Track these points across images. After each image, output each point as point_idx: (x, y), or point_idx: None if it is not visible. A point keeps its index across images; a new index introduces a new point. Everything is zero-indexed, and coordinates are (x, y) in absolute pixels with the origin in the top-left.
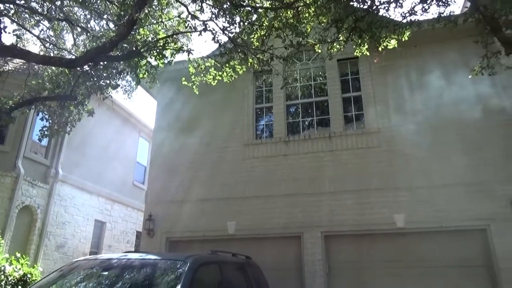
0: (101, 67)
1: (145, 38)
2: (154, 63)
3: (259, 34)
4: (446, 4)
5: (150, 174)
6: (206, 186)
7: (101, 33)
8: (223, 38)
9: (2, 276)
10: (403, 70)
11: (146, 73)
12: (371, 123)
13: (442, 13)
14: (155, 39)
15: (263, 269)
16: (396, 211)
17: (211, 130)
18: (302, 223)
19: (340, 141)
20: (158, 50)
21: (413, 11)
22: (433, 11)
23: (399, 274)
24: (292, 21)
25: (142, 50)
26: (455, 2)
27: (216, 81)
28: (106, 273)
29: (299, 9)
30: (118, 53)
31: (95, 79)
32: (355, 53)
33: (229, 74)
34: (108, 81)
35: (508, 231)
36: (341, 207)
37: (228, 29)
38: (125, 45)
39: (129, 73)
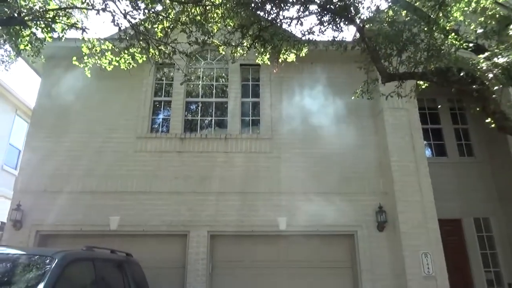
0: None
1: (32, 5)
2: (40, 35)
3: (163, 25)
4: (339, 30)
5: (23, 158)
6: (87, 176)
7: None
8: (124, 23)
9: None
10: (298, 83)
11: (29, 45)
12: (265, 129)
13: (336, 37)
14: (44, 9)
15: (146, 267)
16: (279, 214)
17: (100, 117)
18: (189, 222)
19: (235, 144)
20: (46, 22)
21: (311, 31)
22: (329, 34)
23: (277, 273)
24: (199, 18)
25: (26, 18)
26: (348, 30)
27: (111, 66)
28: None
29: (207, 8)
30: None
31: None
32: (257, 61)
33: (127, 61)
34: None
35: (371, 237)
36: (228, 208)
37: (131, 13)
38: (5, 9)
39: (6, 41)
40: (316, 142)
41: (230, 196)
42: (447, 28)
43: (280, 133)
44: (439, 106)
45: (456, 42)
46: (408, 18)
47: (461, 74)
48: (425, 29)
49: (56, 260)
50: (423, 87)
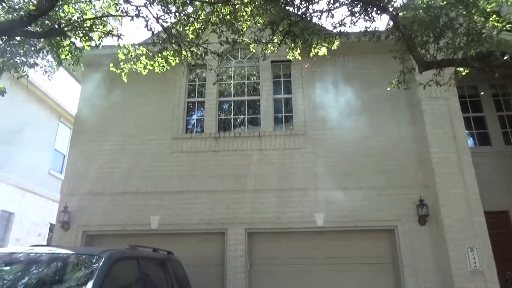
0: (16, 42)
1: (70, 16)
2: (79, 44)
3: (194, 26)
4: (372, 20)
5: (68, 163)
6: (127, 178)
7: (19, 5)
8: (157, 27)
9: None
10: (330, 77)
11: (69, 54)
12: (299, 125)
13: (368, 28)
14: (82, 19)
15: (186, 265)
16: (316, 210)
17: (137, 120)
18: (227, 220)
19: (269, 141)
20: (84, 31)
21: (342, 23)
22: (361, 25)
23: (315, 270)
24: (228, 17)
25: (65, 29)
26: (380, 19)
27: (146, 70)
28: (7, 268)
29: (236, 6)
30: (38, 29)
31: (9, 55)
32: (288, 56)
33: (161, 65)
34: (24, 59)
35: (412, 231)
36: (264, 205)
37: (163, 17)
38: (47, 21)
39: (49, 52)
40: (352, 135)
41: (266, 193)
42: (488, 10)
43: (314, 129)
44: (481, 93)
45: (498, 24)
46: (445, 2)
47: (505, 57)
48: (464, 12)
49: (103, 259)
50: (463, 74)
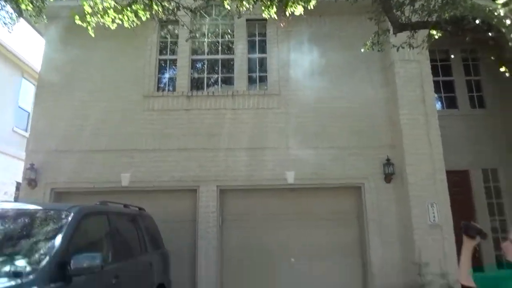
0: None
1: None
2: None
3: None
4: None
5: (33, 119)
6: (97, 135)
7: None
8: None
9: None
10: (306, 37)
11: (30, 5)
12: (273, 85)
13: None
14: None
15: (158, 221)
16: (287, 168)
17: (106, 77)
18: (199, 177)
19: (242, 100)
20: None
21: None
22: None
23: (285, 225)
24: None
25: None
26: None
27: (115, 24)
28: None
29: None
30: None
31: None
32: (263, 15)
33: (131, 19)
34: None
35: (378, 189)
36: (237, 163)
37: None
38: None
39: (7, 1)
40: (325, 96)
41: (238, 152)
42: None
43: (288, 89)
44: (452, 56)
45: None
46: None
47: (477, 22)
48: None
49: (72, 214)
50: (436, 37)
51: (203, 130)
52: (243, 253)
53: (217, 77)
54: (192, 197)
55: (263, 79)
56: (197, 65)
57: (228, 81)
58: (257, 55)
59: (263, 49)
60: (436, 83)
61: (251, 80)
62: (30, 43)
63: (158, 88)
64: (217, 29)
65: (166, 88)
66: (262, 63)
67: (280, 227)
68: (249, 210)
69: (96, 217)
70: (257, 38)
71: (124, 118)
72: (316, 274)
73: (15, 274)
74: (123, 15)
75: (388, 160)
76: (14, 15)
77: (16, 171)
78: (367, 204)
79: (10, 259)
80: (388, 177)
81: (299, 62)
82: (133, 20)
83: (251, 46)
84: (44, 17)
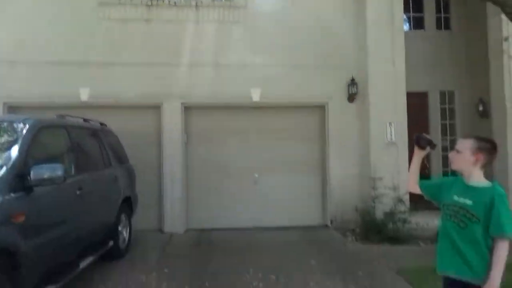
0: None
1: None
2: None
3: None
4: None
5: None
6: (49, 46)
7: None
8: None
9: None
10: None
11: None
12: None
13: None
14: None
15: (121, 138)
16: (253, 86)
17: None
18: (162, 94)
19: (207, 12)
20: None
21: None
22: None
23: (250, 143)
24: None
25: None
26: None
27: None
28: None
29: None
30: None
31: None
32: None
33: None
34: None
35: (342, 108)
36: (201, 80)
37: None
38: None
39: None
40: (293, 13)
41: (202, 67)
42: None
43: (255, 2)
44: None
45: None
46: None
47: None
48: None
49: (28, 125)
50: None
51: (165, 43)
52: (207, 170)
53: None
54: (156, 114)
55: None
56: None
57: None
58: None
59: None
60: (405, 2)
61: None
62: None
63: None
64: None
65: None
66: None
67: (244, 144)
68: (214, 127)
69: (54, 130)
70: None
71: (78, 28)
72: (278, 188)
73: None
74: None
75: (352, 80)
76: None
77: None
78: (330, 123)
79: None
80: (351, 97)
81: None
82: None
83: None
84: None
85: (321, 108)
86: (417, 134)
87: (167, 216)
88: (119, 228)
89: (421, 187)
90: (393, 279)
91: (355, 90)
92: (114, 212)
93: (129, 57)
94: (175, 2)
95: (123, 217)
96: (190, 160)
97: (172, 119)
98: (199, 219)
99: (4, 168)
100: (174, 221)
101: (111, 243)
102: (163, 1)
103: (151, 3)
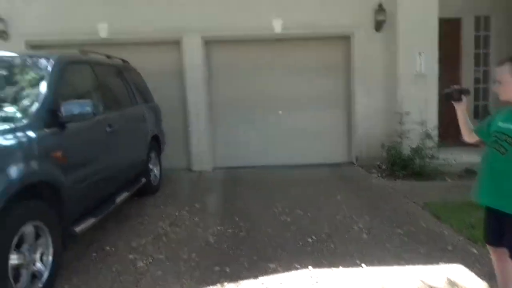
0: None
1: None
2: None
3: None
4: None
5: None
6: None
7: None
8: None
9: None
10: None
11: None
12: None
13: None
14: None
15: (142, 74)
16: (274, 17)
17: None
18: (183, 28)
19: None
20: None
21: None
22: None
23: (273, 77)
24: None
25: None
26: None
27: None
28: None
29: None
30: None
31: None
32: None
33: None
34: None
35: (368, 38)
36: (222, 13)
37: None
38: None
39: None
40: None
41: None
42: None
43: None
44: None
45: None
46: None
47: None
48: None
49: (53, 62)
50: None
51: None
52: (231, 105)
53: None
54: (176, 50)
55: None
56: None
57: None
58: None
59: None
60: None
61: None
62: None
63: None
64: None
65: None
66: None
67: (267, 79)
68: (236, 62)
69: (80, 66)
70: None
71: None
72: (302, 124)
73: (6, 120)
74: None
75: (380, 5)
76: None
77: None
78: (355, 54)
79: None
80: (378, 25)
81: None
82: None
83: None
84: None
85: (346, 40)
86: (445, 90)
87: (194, 154)
88: (150, 166)
89: (477, 133)
90: (420, 213)
91: (383, 17)
92: (144, 149)
93: None
94: None
95: (153, 154)
96: (213, 96)
97: (192, 55)
98: (226, 157)
99: (36, 104)
100: (202, 159)
101: (143, 180)
102: None
103: None
